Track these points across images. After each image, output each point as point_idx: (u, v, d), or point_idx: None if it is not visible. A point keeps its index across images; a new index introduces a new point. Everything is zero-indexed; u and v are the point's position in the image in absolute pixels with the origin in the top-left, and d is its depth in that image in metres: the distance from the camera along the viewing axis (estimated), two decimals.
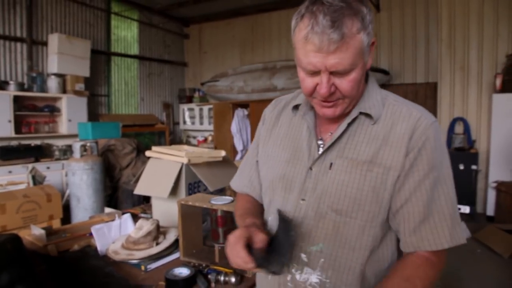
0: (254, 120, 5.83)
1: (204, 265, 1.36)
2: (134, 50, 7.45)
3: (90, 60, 5.77)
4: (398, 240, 0.86)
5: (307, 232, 0.84)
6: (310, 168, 0.85)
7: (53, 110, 5.37)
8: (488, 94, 4.84)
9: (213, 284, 1.20)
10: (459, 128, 5.11)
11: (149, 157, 1.90)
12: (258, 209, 1.00)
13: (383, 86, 6.04)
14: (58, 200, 3.50)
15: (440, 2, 5.10)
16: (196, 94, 8.03)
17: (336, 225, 0.81)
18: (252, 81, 6.60)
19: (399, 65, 6.11)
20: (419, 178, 0.78)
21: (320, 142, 0.87)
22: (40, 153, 5.08)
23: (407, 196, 0.79)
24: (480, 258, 3.34)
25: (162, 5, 7.12)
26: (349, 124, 0.83)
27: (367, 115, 0.83)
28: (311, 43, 0.71)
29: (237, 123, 6.02)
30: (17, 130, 4.92)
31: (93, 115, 6.31)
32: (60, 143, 5.47)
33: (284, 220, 0.83)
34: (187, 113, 8.11)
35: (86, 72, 5.69)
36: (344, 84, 0.75)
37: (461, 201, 4.75)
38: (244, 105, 6.26)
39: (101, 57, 6.62)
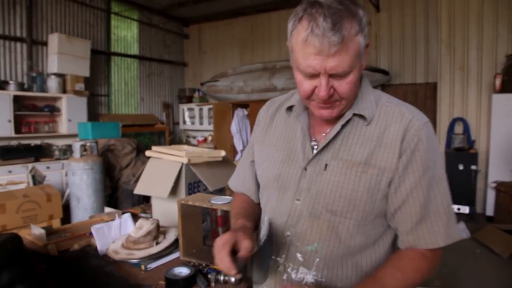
0: (253, 120, 5.81)
1: (204, 264, 1.37)
2: (134, 50, 7.45)
3: (90, 60, 5.77)
4: (393, 235, 0.87)
5: (302, 232, 0.85)
6: (305, 169, 0.86)
7: (53, 110, 5.37)
8: (487, 94, 4.85)
9: (213, 284, 1.21)
10: (458, 128, 5.11)
11: (149, 157, 1.90)
12: (253, 208, 1.02)
13: (383, 86, 6.05)
14: (58, 200, 3.50)
15: (440, 2, 5.11)
16: (196, 94, 8.03)
17: (331, 225, 0.82)
18: (252, 81, 6.60)
19: (398, 65, 6.11)
20: (414, 179, 0.79)
21: (314, 143, 0.88)
22: (40, 153, 5.08)
23: (404, 198, 0.80)
24: (480, 258, 3.34)
25: (162, 5, 7.12)
26: (343, 126, 0.84)
27: (361, 116, 0.84)
28: (311, 46, 0.71)
29: (237, 123, 6.03)
30: (17, 130, 4.92)
31: (93, 115, 6.31)
32: (60, 143, 5.47)
33: (272, 234, 0.85)
34: (187, 113, 8.11)
35: (86, 72, 5.69)
36: (343, 86, 0.76)
37: (460, 201, 4.76)
38: (244, 105, 6.26)
39: (101, 57, 6.62)
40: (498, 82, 4.56)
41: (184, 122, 8.19)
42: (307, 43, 0.72)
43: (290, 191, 0.88)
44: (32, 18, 5.39)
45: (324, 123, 0.87)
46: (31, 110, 5.16)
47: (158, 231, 1.49)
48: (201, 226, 1.57)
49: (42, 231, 1.54)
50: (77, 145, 4.19)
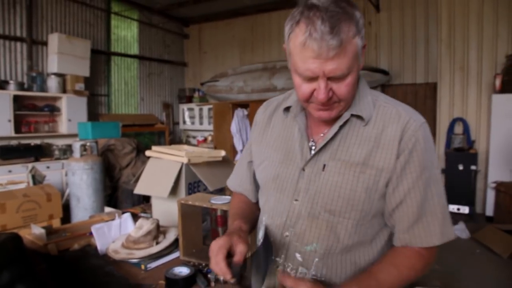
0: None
1: (204, 264, 1.37)
2: (134, 50, 7.45)
3: (90, 60, 5.77)
4: (389, 232, 0.88)
5: (301, 232, 0.85)
6: (303, 169, 0.87)
7: (53, 109, 5.37)
8: (487, 95, 4.85)
9: (212, 284, 1.21)
10: (458, 129, 5.11)
11: (149, 157, 1.90)
12: (250, 208, 1.03)
13: (383, 86, 6.05)
14: (58, 200, 3.50)
15: (440, 3, 5.11)
16: (196, 94, 8.03)
17: (329, 225, 0.83)
18: (252, 81, 6.60)
19: (398, 65, 6.11)
20: (412, 179, 0.80)
21: (311, 143, 0.88)
22: (40, 152, 5.08)
23: (402, 197, 0.81)
24: (479, 258, 3.34)
25: (162, 5, 7.12)
26: (341, 127, 0.84)
27: (359, 117, 0.84)
28: (310, 50, 0.71)
29: (237, 123, 6.03)
30: (17, 129, 4.92)
31: (93, 115, 6.31)
32: (60, 142, 5.47)
33: (268, 240, 0.86)
34: (187, 113, 8.11)
35: (86, 72, 5.69)
36: (341, 88, 0.76)
37: (460, 201, 4.76)
38: (244, 105, 6.26)
39: (101, 57, 6.62)
40: (498, 82, 4.56)
41: (184, 122, 8.19)
42: (305, 47, 0.71)
43: (288, 191, 0.88)
44: (32, 18, 5.39)
45: (322, 123, 0.88)
46: (31, 110, 5.16)
47: (158, 230, 1.49)
48: (201, 226, 1.57)
49: (42, 231, 1.54)
50: (77, 145, 4.19)
